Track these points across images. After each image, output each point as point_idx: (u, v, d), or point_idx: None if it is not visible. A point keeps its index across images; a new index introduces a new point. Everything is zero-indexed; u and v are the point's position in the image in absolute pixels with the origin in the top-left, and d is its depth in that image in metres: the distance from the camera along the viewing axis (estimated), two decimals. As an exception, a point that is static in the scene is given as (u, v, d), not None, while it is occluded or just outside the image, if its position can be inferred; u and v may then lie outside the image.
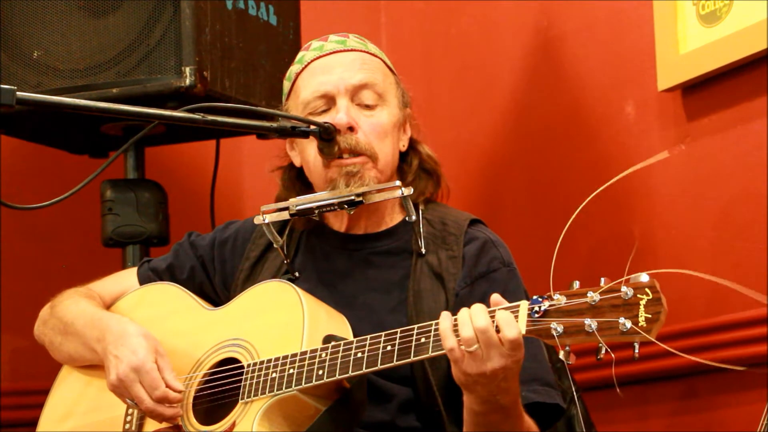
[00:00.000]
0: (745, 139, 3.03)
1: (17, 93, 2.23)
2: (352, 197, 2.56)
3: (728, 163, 3.07)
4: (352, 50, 2.66)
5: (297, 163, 2.70)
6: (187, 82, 3.10)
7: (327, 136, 2.54)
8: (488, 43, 3.84)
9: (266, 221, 2.64)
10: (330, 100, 2.62)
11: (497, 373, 2.22)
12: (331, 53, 2.65)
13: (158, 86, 3.12)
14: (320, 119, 2.58)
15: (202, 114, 2.43)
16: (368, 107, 2.62)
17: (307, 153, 2.64)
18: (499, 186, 3.79)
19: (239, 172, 4.06)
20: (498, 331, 2.20)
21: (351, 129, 2.58)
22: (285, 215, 2.63)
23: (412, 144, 2.71)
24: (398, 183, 2.58)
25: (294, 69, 2.69)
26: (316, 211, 2.60)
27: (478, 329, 2.21)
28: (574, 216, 2.17)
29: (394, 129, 2.65)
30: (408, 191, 2.57)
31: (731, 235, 3.05)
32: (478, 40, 3.88)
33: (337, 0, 4.14)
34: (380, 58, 2.69)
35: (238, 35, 3.27)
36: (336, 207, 2.58)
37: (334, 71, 2.63)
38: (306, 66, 2.66)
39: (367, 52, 2.67)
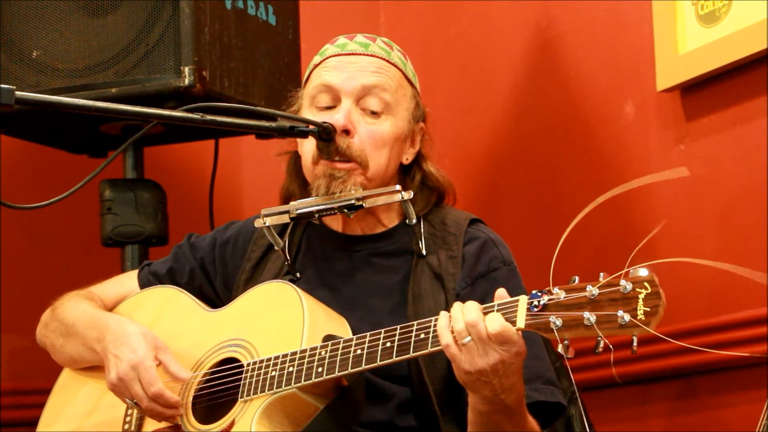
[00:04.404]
0: (745, 139, 3.03)
1: (16, 92, 2.23)
2: (353, 201, 2.56)
3: (728, 163, 3.07)
4: (371, 55, 2.64)
5: (301, 151, 2.71)
6: (186, 81, 3.09)
7: (326, 136, 2.54)
8: (488, 43, 3.84)
9: (267, 224, 2.64)
10: (335, 99, 2.61)
11: (496, 368, 2.22)
12: (350, 54, 2.64)
13: (157, 86, 3.12)
14: (322, 116, 2.59)
15: (201, 114, 2.43)
16: (372, 114, 2.62)
17: (303, 145, 2.64)
18: (498, 185, 3.79)
19: (238, 172, 4.06)
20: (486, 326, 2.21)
21: (347, 132, 2.58)
22: (285, 218, 2.63)
23: (419, 160, 2.71)
24: (398, 187, 2.58)
25: (315, 60, 2.69)
26: (317, 215, 2.61)
27: (469, 323, 2.22)
28: (576, 220, 2.17)
29: (396, 141, 2.64)
30: (408, 195, 2.57)
31: (731, 235, 3.05)
32: (477, 40, 3.88)
33: (336, 0, 4.14)
34: (400, 69, 2.66)
35: (237, 35, 3.27)
36: (336, 211, 2.58)
37: (346, 71, 2.62)
38: (324, 59, 2.66)
39: (387, 60, 2.65)
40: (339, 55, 2.65)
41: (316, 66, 2.67)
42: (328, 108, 2.62)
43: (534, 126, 3.66)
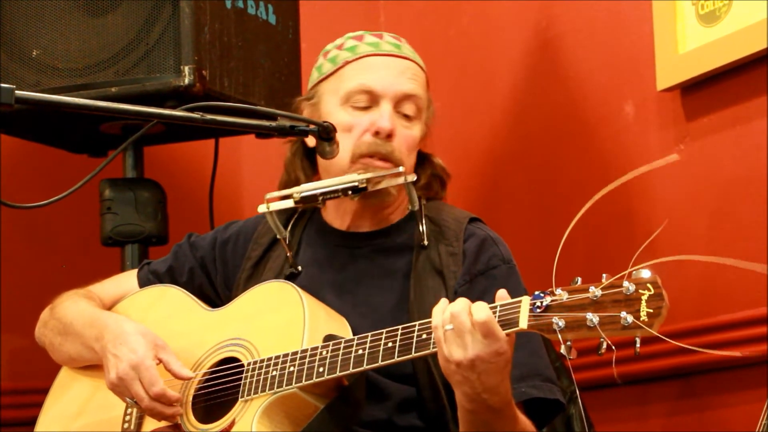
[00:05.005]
0: (744, 139, 3.03)
1: (16, 92, 2.22)
2: (356, 183, 2.56)
3: (728, 163, 3.07)
4: (406, 58, 2.67)
5: (310, 144, 2.70)
6: (186, 81, 3.09)
7: (326, 136, 2.53)
8: (488, 43, 3.84)
9: (270, 209, 2.64)
10: (373, 100, 2.62)
11: (474, 363, 2.22)
12: (387, 55, 2.66)
13: (157, 85, 3.11)
14: (359, 116, 2.60)
15: (201, 113, 2.43)
16: (407, 118, 2.63)
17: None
18: (498, 185, 3.79)
19: (238, 171, 4.06)
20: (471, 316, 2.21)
21: (389, 136, 2.60)
22: (289, 203, 2.63)
23: (426, 156, 2.73)
24: (401, 168, 2.58)
25: (344, 55, 2.68)
26: (320, 198, 2.61)
27: (453, 312, 2.23)
28: (575, 219, 2.17)
29: (419, 145, 2.68)
30: (412, 177, 2.58)
31: (731, 235, 3.05)
32: (477, 40, 3.88)
33: (336, 0, 4.14)
34: (425, 73, 2.71)
35: (237, 34, 3.27)
36: (340, 194, 2.58)
37: (387, 73, 2.64)
38: (359, 58, 2.66)
39: (417, 64, 2.69)
40: (374, 54, 2.66)
41: (347, 62, 2.66)
42: (365, 108, 2.63)
43: (534, 126, 3.66)
